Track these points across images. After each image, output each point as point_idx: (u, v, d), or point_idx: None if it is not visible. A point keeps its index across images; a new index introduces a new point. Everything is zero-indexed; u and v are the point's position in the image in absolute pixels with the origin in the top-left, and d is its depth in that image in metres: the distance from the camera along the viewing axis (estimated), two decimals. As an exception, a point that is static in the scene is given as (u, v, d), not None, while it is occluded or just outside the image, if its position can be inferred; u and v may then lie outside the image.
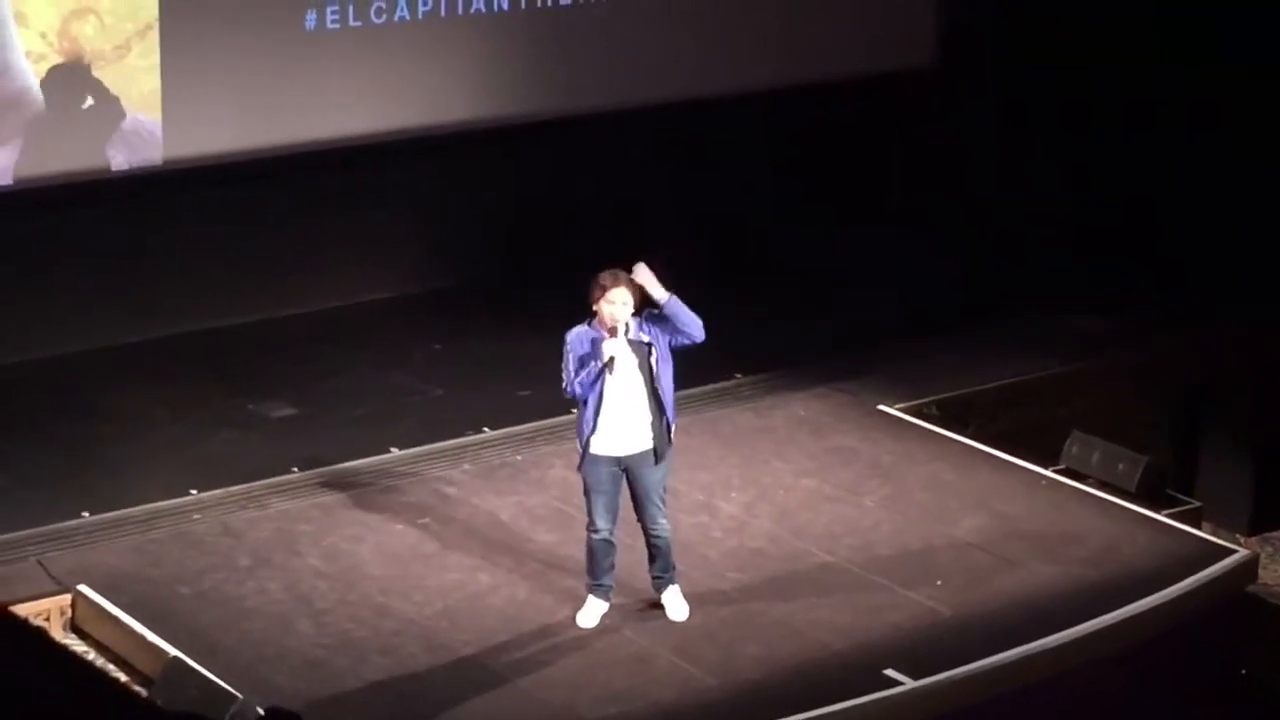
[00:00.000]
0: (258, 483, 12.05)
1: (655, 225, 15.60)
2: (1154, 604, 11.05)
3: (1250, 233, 15.67)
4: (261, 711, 9.32)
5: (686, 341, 10.35)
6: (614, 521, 10.48)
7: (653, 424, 10.34)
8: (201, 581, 10.97)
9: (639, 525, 10.57)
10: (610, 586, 10.63)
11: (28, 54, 13.07)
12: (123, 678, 10.30)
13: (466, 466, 12.38)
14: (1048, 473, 12.62)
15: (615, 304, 10.23)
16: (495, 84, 14.92)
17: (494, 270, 15.17)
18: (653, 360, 10.30)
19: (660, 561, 10.64)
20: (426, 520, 11.71)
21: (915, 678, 10.25)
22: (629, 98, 15.43)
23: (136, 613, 10.57)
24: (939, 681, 10.27)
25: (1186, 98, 16.16)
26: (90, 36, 13.25)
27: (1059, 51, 16.66)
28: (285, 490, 12.01)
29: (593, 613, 10.63)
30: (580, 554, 11.25)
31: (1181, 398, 14.63)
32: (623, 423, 10.31)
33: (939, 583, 11.17)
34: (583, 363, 10.24)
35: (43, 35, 13.10)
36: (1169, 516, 12.21)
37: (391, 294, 14.92)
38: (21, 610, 10.59)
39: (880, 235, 15.83)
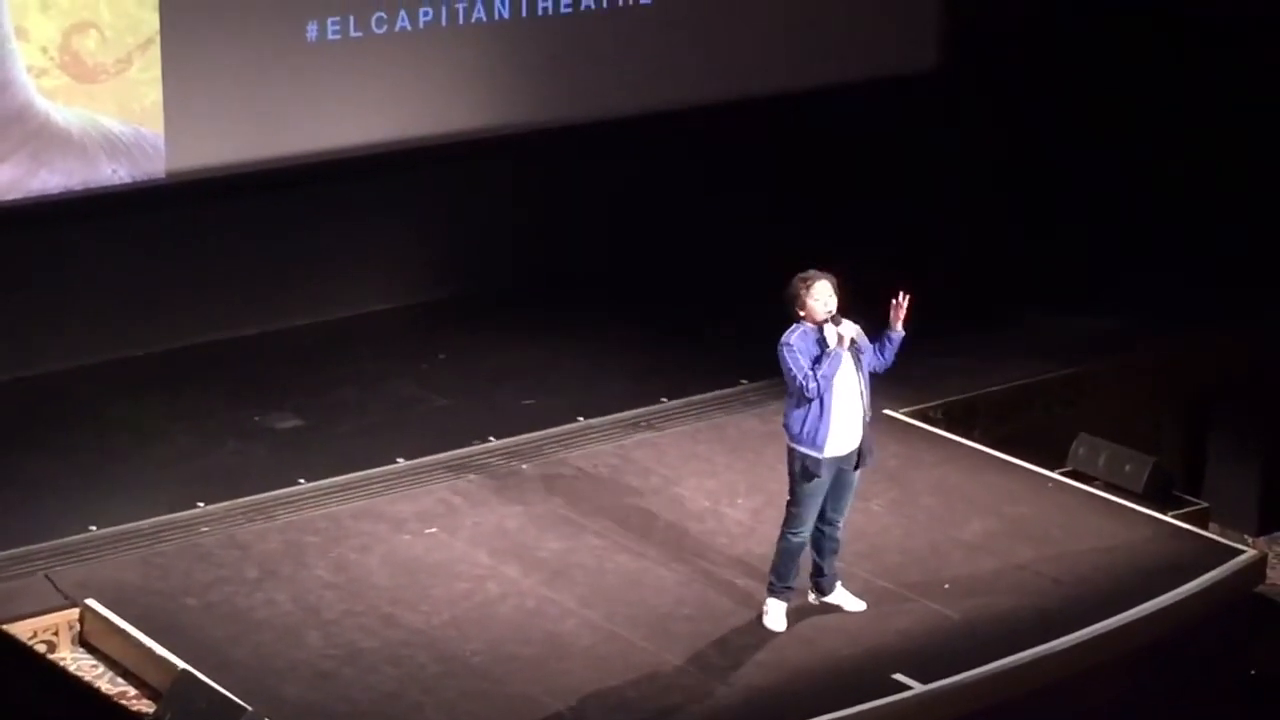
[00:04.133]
0: (265, 494, 12.05)
1: (659, 232, 15.64)
2: (1162, 605, 11.04)
3: (1258, 234, 15.66)
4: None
5: (875, 367, 10.59)
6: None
7: (863, 423, 10.51)
8: (209, 594, 10.97)
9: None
10: (794, 589, 10.75)
11: (29, 69, 13.07)
12: (131, 692, 10.32)
13: (472, 476, 12.38)
14: (1054, 475, 12.61)
15: (823, 296, 10.41)
16: (497, 93, 14.92)
17: (498, 280, 15.17)
18: (863, 360, 10.51)
19: (832, 558, 10.80)
20: (434, 530, 11.71)
21: (924, 682, 10.24)
22: (631, 105, 15.43)
23: (145, 626, 10.57)
24: (948, 686, 10.26)
25: (1194, 98, 16.16)
26: (91, 51, 13.26)
27: (1062, 51, 16.67)
28: (292, 502, 12.01)
29: (780, 615, 10.71)
30: (589, 561, 11.30)
31: (1188, 399, 14.62)
32: (844, 423, 10.48)
33: (946, 586, 11.17)
34: (815, 361, 10.38)
35: (44, 50, 13.11)
36: (1176, 517, 12.21)
37: (396, 304, 14.92)
38: (29, 625, 10.62)
39: (884, 238, 15.82)
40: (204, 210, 14.02)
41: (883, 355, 10.60)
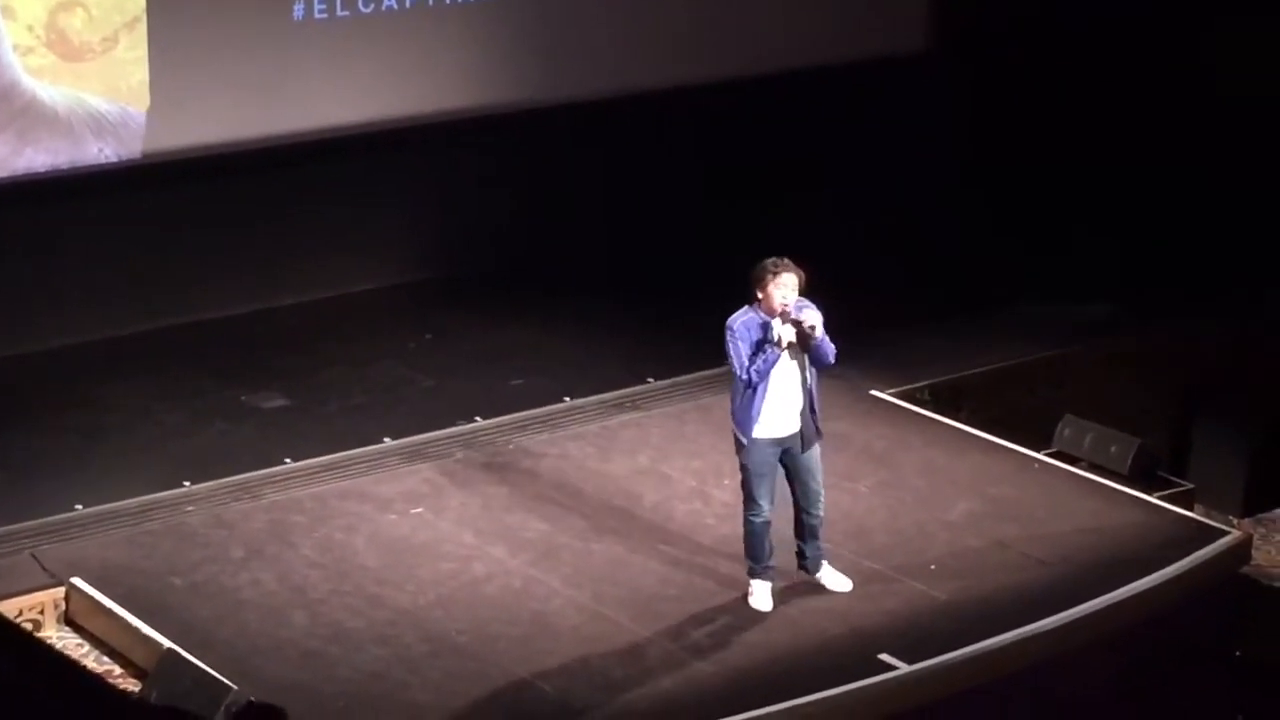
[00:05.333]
0: (251, 474, 12.05)
1: (647, 213, 15.64)
2: (1147, 586, 11.06)
3: (1248, 219, 15.67)
4: (252, 700, 9.32)
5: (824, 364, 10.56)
6: (773, 503, 10.63)
7: (803, 409, 10.51)
8: (195, 573, 10.97)
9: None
10: (774, 567, 10.72)
11: (15, 47, 13.05)
12: (117, 670, 10.33)
13: (459, 456, 12.38)
14: (1040, 456, 12.63)
15: (785, 288, 10.37)
16: (484, 72, 14.91)
17: (485, 260, 15.17)
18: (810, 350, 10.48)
19: (814, 541, 10.79)
20: (420, 510, 11.71)
21: (910, 662, 10.26)
22: (619, 85, 15.42)
23: (130, 605, 10.57)
24: (934, 666, 10.28)
25: (1184, 86, 16.17)
26: (78, 29, 13.24)
27: (1056, 35, 16.67)
28: (278, 481, 12.01)
29: (765, 595, 10.71)
30: (575, 541, 11.30)
31: (1175, 381, 14.63)
32: (782, 406, 10.47)
33: (933, 567, 11.18)
34: (755, 348, 10.37)
35: (30, 28, 13.09)
36: (1161, 499, 12.23)
37: (383, 284, 14.92)
38: (15, 604, 10.62)
39: (872, 221, 15.82)
40: (190, 190, 14.01)
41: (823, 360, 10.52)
